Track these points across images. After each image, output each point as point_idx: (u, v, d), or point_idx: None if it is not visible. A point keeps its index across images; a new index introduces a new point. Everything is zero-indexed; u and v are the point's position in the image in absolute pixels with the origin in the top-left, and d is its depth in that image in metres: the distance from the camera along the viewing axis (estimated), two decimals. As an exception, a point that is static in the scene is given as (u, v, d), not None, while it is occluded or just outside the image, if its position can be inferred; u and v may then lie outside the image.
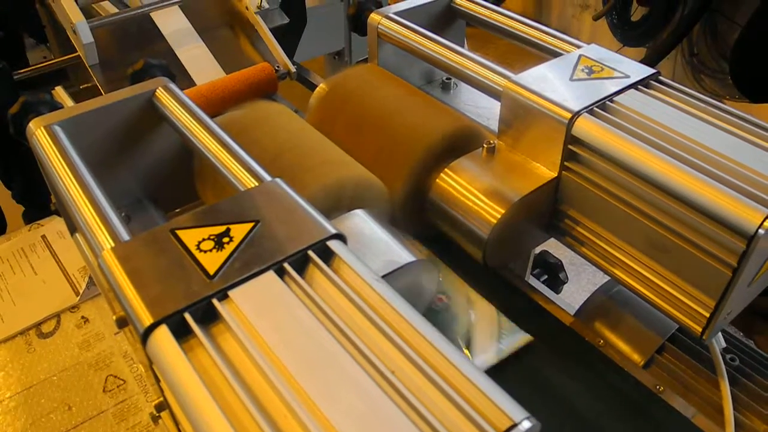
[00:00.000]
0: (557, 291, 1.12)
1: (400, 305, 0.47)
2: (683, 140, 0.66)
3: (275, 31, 1.15)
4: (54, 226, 1.08)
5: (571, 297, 1.01)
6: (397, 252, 0.62)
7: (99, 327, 0.92)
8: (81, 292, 0.96)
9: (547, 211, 0.74)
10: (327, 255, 0.51)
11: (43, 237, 1.06)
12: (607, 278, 0.81)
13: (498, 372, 0.72)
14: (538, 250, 1.18)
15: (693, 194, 0.61)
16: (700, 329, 0.66)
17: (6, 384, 0.84)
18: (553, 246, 0.89)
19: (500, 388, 0.41)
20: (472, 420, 0.39)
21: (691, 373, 0.78)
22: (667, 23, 2.68)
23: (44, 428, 0.79)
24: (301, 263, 0.51)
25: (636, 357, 0.79)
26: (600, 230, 0.71)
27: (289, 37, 1.27)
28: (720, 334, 0.80)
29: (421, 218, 0.77)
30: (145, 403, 0.82)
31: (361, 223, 0.65)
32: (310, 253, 0.51)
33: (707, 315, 0.64)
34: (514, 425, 0.39)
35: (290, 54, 1.26)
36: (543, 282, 1.12)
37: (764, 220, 0.57)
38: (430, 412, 0.40)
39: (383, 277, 0.59)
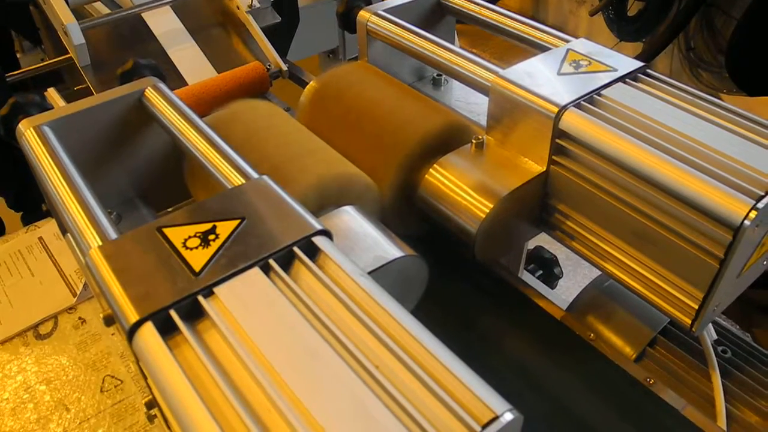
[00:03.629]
0: (552, 286, 1.13)
1: (385, 300, 0.47)
2: (670, 133, 0.66)
3: (267, 30, 1.16)
4: (51, 227, 1.08)
5: (568, 292, 1.01)
6: (385, 247, 0.62)
7: (96, 328, 0.92)
8: (78, 293, 0.96)
9: (536, 205, 0.74)
10: (312, 251, 0.52)
11: (40, 239, 1.06)
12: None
13: (487, 366, 0.72)
14: (532, 245, 1.19)
15: (679, 186, 0.61)
16: (690, 321, 0.66)
17: (3, 385, 0.84)
18: (548, 241, 0.89)
19: (483, 381, 0.42)
20: (454, 412, 0.40)
21: (682, 366, 0.78)
22: (663, 18, 2.68)
23: (42, 429, 0.79)
24: (286, 259, 0.51)
25: (628, 350, 0.79)
26: (589, 224, 0.71)
27: (281, 36, 1.27)
28: (711, 326, 0.80)
29: (411, 215, 0.78)
30: (142, 403, 0.83)
31: (349, 219, 0.65)
32: (296, 249, 0.51)
33: (696, 307, 0.64)
34: (496, 417, 0.39)
35: (283, 53, 1.27)
36: (538, 277, 1.13)
37: (750, 212, 0.57)
38: (413, 405, 0.40)
39: (371, 272, 0.60)
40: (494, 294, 0.81)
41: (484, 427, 0.39)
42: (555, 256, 1.12)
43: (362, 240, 0.63)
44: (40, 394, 0.83)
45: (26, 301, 0.95)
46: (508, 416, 0.39)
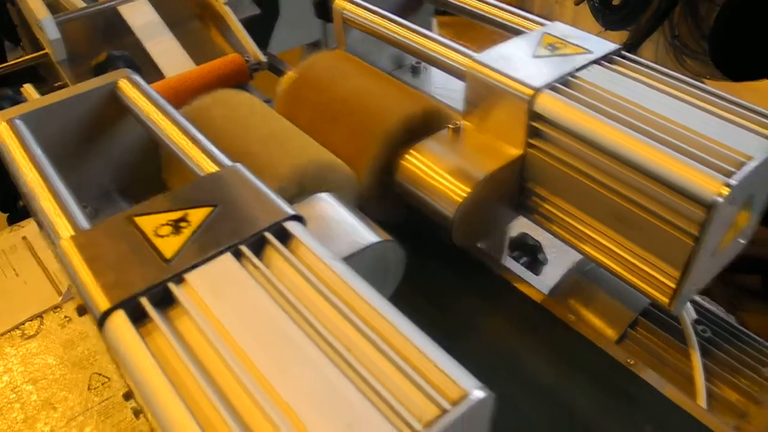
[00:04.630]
0: (537, 272, 1.13)
1: (356, 283, 0.47)
2: (644, 113, 0.66)
3: (246, 22, 1.15)
4: (35, 227, 1.07)
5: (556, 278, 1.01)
6: (361, 233, 0.62)
7: (83, 326, 0.92)
8: (63, 291, 0.96)
9: (514, 189, 0.74)
10: (284, 236, 0.52)
11: (24, 238, 1.06)
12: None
13: (468, 349, 0.72)
14: (516, 232, 1.19)
15: (653, 165, 0.61)
16: (668, 300, 0.66)
17: (-11, 385, 0.84)
18: (533, 227, 0.89)
19: (455, 360, 0.42)
20: (424, 391, 0.40)
21: (663, 346, 0.79)
22: (647, 6, 2.68)
23: (30, 429, 0.79)
24: (258, 245, 0.51)
25: (609, 332, 0.80)
26: (567, 206, 0.71)
27: (261, 28, 1.26)
28: (690, 306, 0.80)
29: (390, 202, 0.77)
30: (130, 399, 0.82)
31: (325, 205, 0.65)
32: (267, 234, 0.51)
33: (673, 286, 0.65)
34: (466, 395, 0.39)
35: (264, 45, 1.26)
36: (523, 264, 1.12)
37: (722, 188, 0.57)
38: (383, 386, 0.40)
39: (348, 257, 0.60)
40: (476, 280, 0.81)
41: (454, 405, 0.39)
42: (539, 242, 1.12)
43: (338, 226, 0.63)
44: (26, 393, 0.83)
45: (11, 301, 0.95)
46: (478, 394, 0.39)
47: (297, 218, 0.53)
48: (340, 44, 0.93)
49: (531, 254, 1.11)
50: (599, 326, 0.80)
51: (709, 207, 0.58)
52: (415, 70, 1.00)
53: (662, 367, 0.77)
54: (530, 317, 0.75)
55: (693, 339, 0.76)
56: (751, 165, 0.60)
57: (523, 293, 0.78)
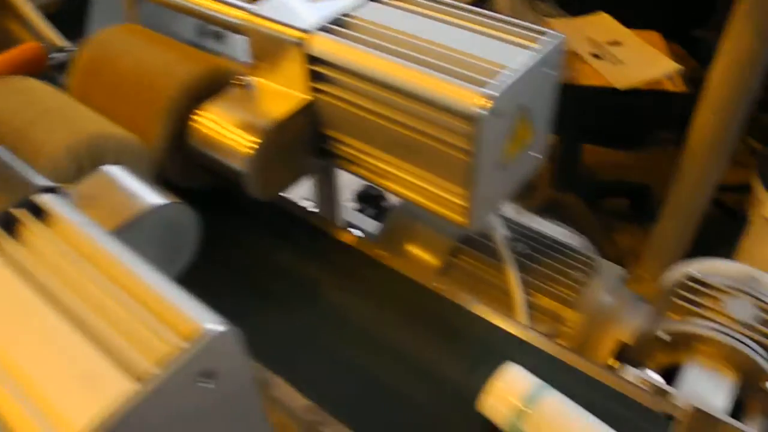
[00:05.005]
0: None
1: (108, 244, 0.46)
2: (413, 41, 0.67)
3: (51, 9, 1.10)
4: None
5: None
6: (143, 199, 0.60)
7: None
8: None
9: (310, 135, 0.74)
10: (38, 210, 0.50)
11: None
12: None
13: (281, 302, 0.72)
14: (361, 186, 1.20)
15: (421, 89, 0.62)
16: (464, 219, 0.68)
17: None
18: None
19: (196, 300, 0.42)
20: (157, 333, 0.40)
21: (485, 268, 0.81)
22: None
23: None
24: (9, 223, 0.49)
25: (433, 262, 0.81)
26: (360, 145, 0.72)
27: (72, 14, 1.21)
28: (502, 224, 0.83)
29: (193, 168, 0.76)
30: None
31: (108, 177, 0.63)
32: (15, 210, 0.49)
33: (464, 204, 0.66)
34: (201, 330, 0.39)
35: (79, 32, 1.21)
36: (369, 215, 1.14)
37: (483, 101, 0.59)
38: (121, 334, 0.40)
39: (129, 223, 0.59)
40: (284, 232, 0.81)
41: (188, 340, 0.39)
42: (381, 192, 1.13)
43: (120, 195, 0.61)
44: None
45: None
46: (214, 328, 0.39)
47: (52, 190, 0.51)
48: (132, 18, 0.90)
49: (375, 204, 1.13)
50: (423, 258, 0.82)
51: (474, 120, 0.59)
52: (217, 36, 0.98)
53: (484, 287, 0.80)
54: (347, 262, 0.76)
55: (507, 256, 0.78)
56: (513, 76, 0.62)
57: (340, 241, 0.78)
